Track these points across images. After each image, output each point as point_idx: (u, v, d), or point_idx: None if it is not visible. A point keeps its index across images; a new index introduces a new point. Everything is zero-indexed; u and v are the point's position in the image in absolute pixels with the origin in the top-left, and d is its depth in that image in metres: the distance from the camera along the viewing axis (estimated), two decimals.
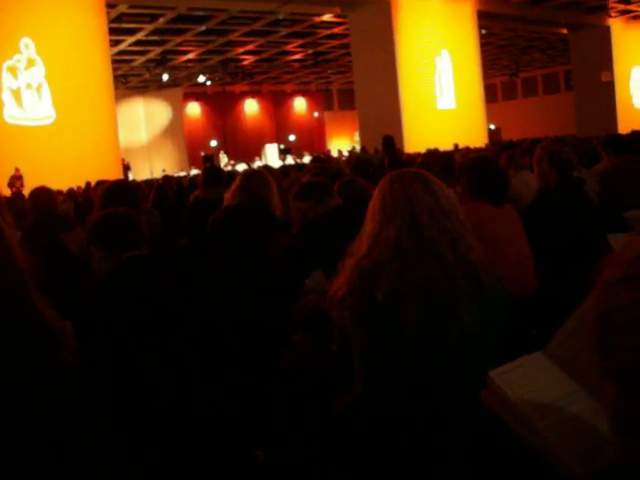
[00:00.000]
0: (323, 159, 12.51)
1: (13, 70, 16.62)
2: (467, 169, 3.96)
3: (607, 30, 32.14)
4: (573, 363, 1.55)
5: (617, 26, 32.37)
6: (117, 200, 4.28)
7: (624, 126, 29.63)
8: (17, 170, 15.63)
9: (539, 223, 4.30)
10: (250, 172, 4.91)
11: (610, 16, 31.58)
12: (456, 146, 19.24)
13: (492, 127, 32.63)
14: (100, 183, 6.57)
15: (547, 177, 4.71)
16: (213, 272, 3.48)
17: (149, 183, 15.13)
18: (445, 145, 19.53)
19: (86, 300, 3.10)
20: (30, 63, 16.83)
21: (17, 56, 16.66)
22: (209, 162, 30.13)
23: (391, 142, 10.50)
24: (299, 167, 10.86)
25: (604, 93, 32.04)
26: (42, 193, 6.12)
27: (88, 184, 14.85)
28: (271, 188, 4.76)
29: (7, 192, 15.06)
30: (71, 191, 13.84)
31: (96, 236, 3.17)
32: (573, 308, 1.49)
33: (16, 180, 15.49)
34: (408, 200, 2.35)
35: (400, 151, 15.56)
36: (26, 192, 14.63)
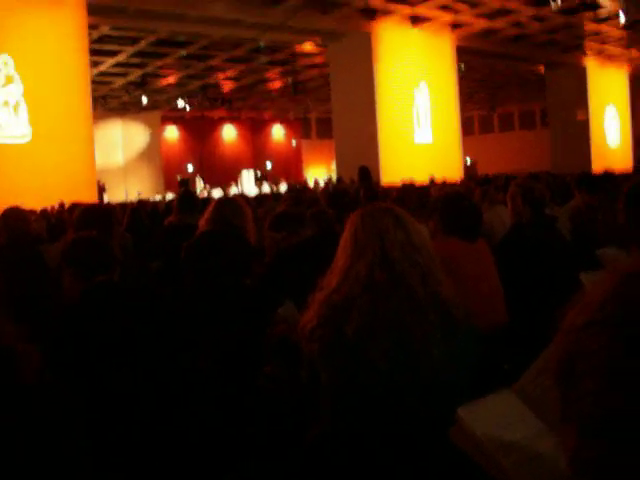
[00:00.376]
0: (299, 189, 12.54)
1: None
2: (440, 205, 4.00)
3: (583, 69, 32.65)
4: (540, 402, 1.57)
5: (593, 65, 32.90)
6: (91, 224, 4.27)
7: (598, 164, 30.03)
8: None
9: (511, 259, 4.34)
10: (224, 199, 4.92)
11: (586, 55, 32.12)
12: (432, 179, 19.36)
13: (468, 160, 32.90)
14: (74, 206, 6.54)
15: (520, 213, 4.77)
16: (187, 296, 3.48)
17: (124, 206, 15.10)
18: (421, 176, 19.63)
19: (56, 322, 3.10)
20: (8, 80, 16.76)
21: None
22: (185, 186, 30.11)
23: (367, 173, 10.57)
24: (275, 196, 10.89)
25: (579, 131, 32.43)
26: (14, 213, 6.09)
27: (61, 204, 14.80)
28: (245, 215, 4.78)
29: None
30: (44, 211, 13.76)
31: (68, 259, 3.18)
32: (544, 345, 1.51)
33: None
34: (379, 235, 2.37)
35: (376, 183, 15.65)
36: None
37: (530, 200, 4.70)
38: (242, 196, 9.03)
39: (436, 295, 2.33)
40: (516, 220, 4.84)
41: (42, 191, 15.98)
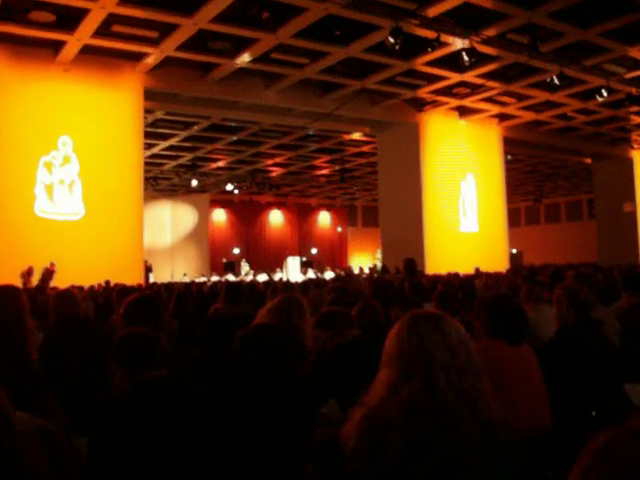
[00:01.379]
0: (344, 278, 12.61)
1: (49, 166, 17.18)
2: (485, 307, 3.98)
3: (630, 161, 32.57)
4: None
5: (639, 157, 32.80)
6: (139, 316, 4.34)
7: None
8: (52, 265, 15.84)
9: (556, 364, 4.30)
10: (291, 297, 4.91)
11: (633, 148, 32.10)
12: (477, 270, 19.29)
13: (514, 251, 32.73)
14: (122, 290, 6.64)
15: (565, 317, 4.74)
16: (231, 392, 3.48)
17: (169, 287, 15.29)
18: (466, 268, 19.59)
19: (102, 414, 3.14)
20: (65, 160, 17.39)
21: (54, 152, 17.27)
22: (230, 270, 30.37)
23: (413, 266, 10.56)
24: (318, 284, 10.91)
25: (626, 222, 32.12)
26: (66, 296, 6.20)
27: (107, 283, 15.08)
28: (305, 316, 4.79)
29: (34, 279, 15.36)
30: (92, 290, 14.00)
31: (117, 356, 3.24)
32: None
33: (48, 274, 15.67)
34: (427, 359, 2.32)
35: (421, 273, 15.64)
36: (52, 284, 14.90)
37: (575, 304, 4.67)
38: (287, 285, 9.06)
39: (481, 419, 2.29)
40: (561, 324, 4.81)
41: (90, 267, 16.40)
